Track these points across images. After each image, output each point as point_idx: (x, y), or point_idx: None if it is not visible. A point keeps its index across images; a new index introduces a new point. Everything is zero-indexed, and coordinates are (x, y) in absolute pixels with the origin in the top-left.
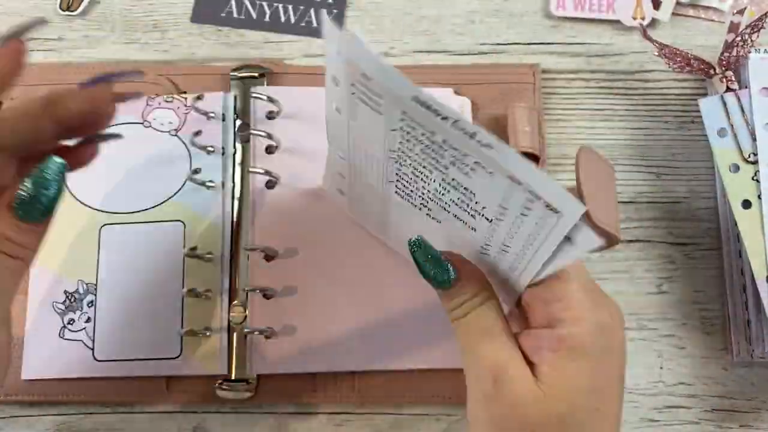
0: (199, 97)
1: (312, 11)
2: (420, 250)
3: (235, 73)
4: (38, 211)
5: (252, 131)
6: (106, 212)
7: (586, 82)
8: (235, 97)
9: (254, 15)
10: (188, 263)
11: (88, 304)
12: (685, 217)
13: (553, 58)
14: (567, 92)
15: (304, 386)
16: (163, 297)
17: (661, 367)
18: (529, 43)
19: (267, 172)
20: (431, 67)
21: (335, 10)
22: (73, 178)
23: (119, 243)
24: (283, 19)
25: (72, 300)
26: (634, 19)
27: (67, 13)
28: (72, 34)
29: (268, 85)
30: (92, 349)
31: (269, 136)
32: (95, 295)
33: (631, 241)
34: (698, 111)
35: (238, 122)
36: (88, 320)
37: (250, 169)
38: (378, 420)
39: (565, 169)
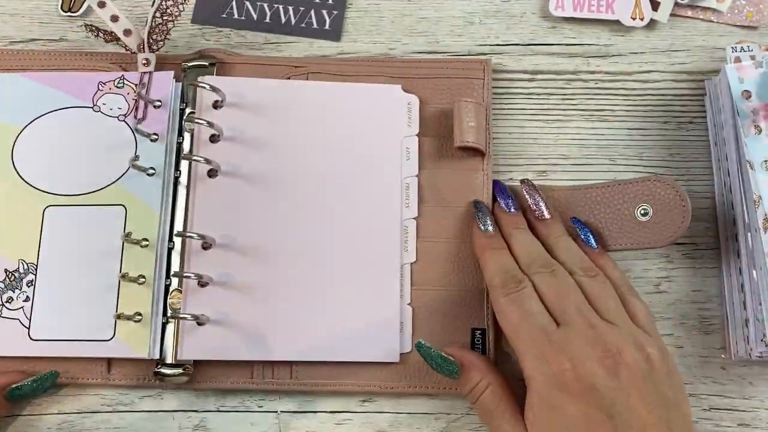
0: (145, 83)
1: (312, 12)
2: (424, 350)
3: (187, 63)
4: (18, 399)
5: (194, 120)
6: (52, 194)
7: (585, 82)
8: (185, 86)
9: (255, 16)
10: (125, 248)
11: (27, 284)
12: None
13: (552, 58)
14: (566, 93)
15: (242, 372)
16: (100, 280)
17: None
18: (528, 44)
19: (207, 161)
20: (382, 60)
21: (335, 12)
22: (20, 159)
23: (62, 224)
24: (283, 20)
25: (12, 279)
26: (633, 19)
27: (68, 14)
28: (73, 35)
29: (217, 75)
30: (28, 328)
31: (210, 125)
32: (35, 275)
33: None
34: (697, 111)
35: (188, 111)
36: (26, 299)
37: (193, 157)
38: (378, 419)
39: (565, 170)
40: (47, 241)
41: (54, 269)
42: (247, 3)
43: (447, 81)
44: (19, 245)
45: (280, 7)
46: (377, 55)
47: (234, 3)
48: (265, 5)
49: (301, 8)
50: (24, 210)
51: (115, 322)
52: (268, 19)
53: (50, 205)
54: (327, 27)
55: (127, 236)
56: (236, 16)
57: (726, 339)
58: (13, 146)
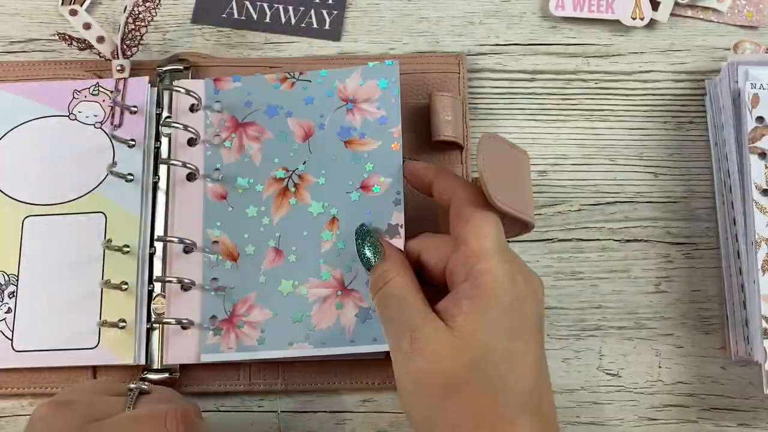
0: (120, 90)
1: (312, 12)
2: (366, 235)
3: (162, 68)
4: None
5: (170, 124)
6: (30, 204)
7: (585, 82)
8: (160, 91)
9: (255, 16)
10: (107, 255)
11: (9, 295)
12: (684, 216)
13: (552, 58)
14: (566, 93)
15: (229, 375)
16: (83, 288)
17: (660, 366)
18: (528, 44)
19: (185, 164)
20: (357, 58)
21: (335, 11)
22: None
23: (42, 234)
24: (283, 19)
25: None
26: (633, 19)
27: (71, 6)
28: (73, 34)
29: (192, 77)
30: (11, 340)
31: (186, 128)
32: (16, 286)
33: (629, 240)
34: (697, 111)
35: (164, 114)
36: (8, 311)
37: (171, 162)
38: (378, 419)
39: (564, 169)
40: (27, 251)
41: (35, 279)
42: (247, 3)
43: (423, 76)
44: (0, 257)
45: (280, 7)
46: (377, 55)
47: (234, 3)
48: (265, 5)
49: (301, 8)
50: (2, 221)
51: (99, 329)
52: (268, 19)
53: (29, 216)
54: (327, 27)
55: (107, 243)
56: (236, 16)
57: (726, 339)
58: None
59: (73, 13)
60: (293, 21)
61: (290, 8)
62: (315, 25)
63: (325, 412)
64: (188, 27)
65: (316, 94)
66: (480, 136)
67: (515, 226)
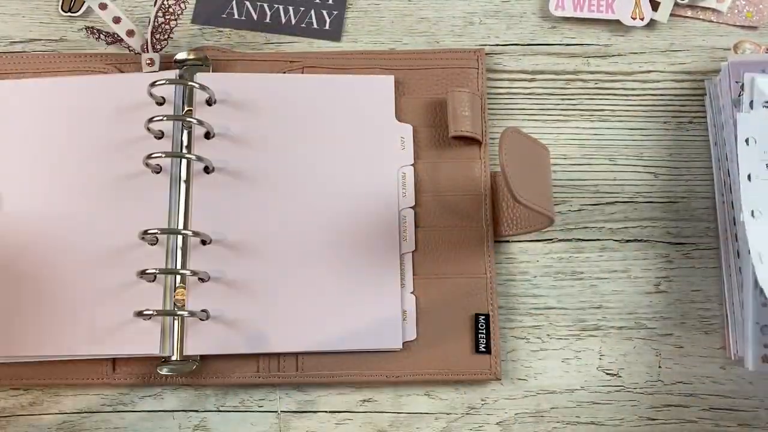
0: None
1: (312, 12)
2: None
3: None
4: None
5: (185, 119)
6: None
7: (585, 82)
8: (183, 85)
9: (255, 16)
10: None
11: None
12: (684, 216)
13: (552, 58)
14: (566, 93)
15: (248, 366)
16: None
17: (660, 366)
18: (528, 44)
19: (198, 158)
20: (377, 53)
21: (335, 12)
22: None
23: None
24: (283, 20)
25: None
26: (633, 19)
27: (68, 14)
28: (73, 35)
29: (214, 71)
30: None
31: (200, 123)
32: None
33: (629, 240)
34: (696, 111)
35: (185, 108)
36: None
37: (184, 155)
38: (378, 419)
39: (564, 169)
40: None
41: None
42: (247, 3)
43: (442, 71)
44: None
45: (280, 7)
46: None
47: (234, 3)
48: (265, 5)
49: (301, 8)
50: None
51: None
52: (268, 19)
53: None
54: (327, 27)
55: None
56: (236, 16)
57: (726, 339)
58: None
59: (103, 6)
60: (293, 21)
61: (290, 8)
62: (315, 26)
63: (325, 411)
64: (188, 27)
65: None
66: (502, 131)
67: (538, 220)
